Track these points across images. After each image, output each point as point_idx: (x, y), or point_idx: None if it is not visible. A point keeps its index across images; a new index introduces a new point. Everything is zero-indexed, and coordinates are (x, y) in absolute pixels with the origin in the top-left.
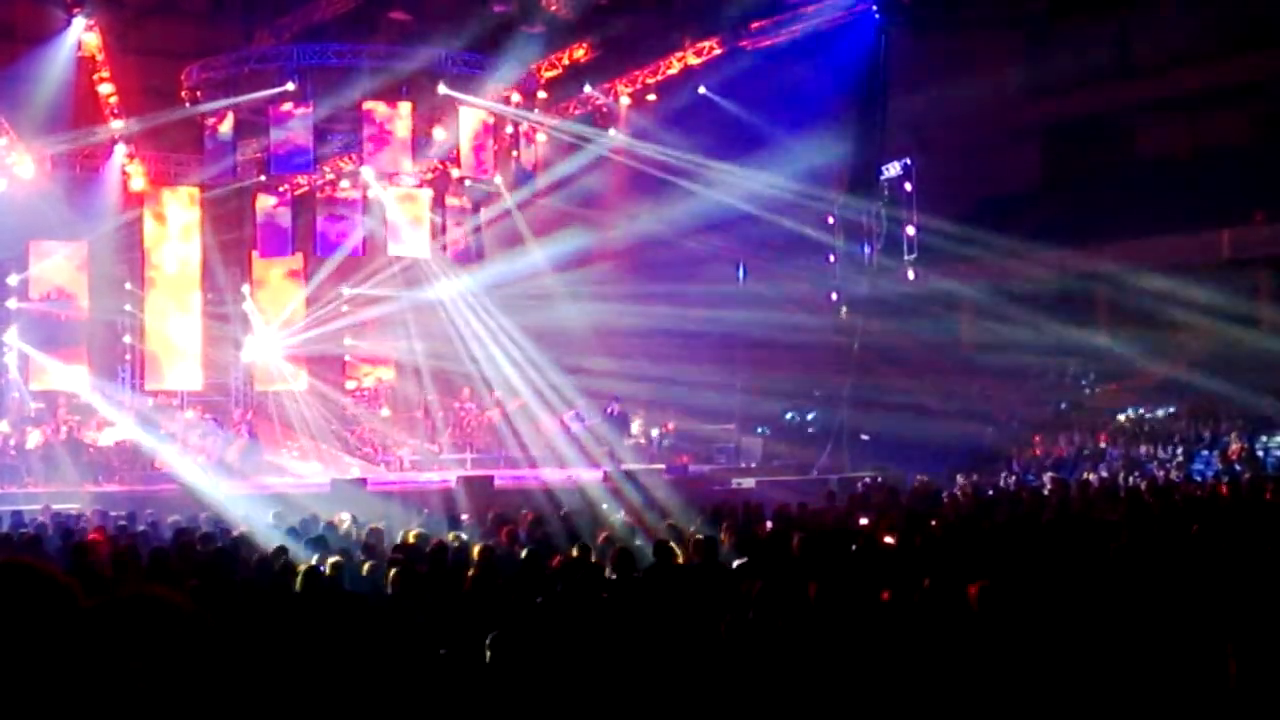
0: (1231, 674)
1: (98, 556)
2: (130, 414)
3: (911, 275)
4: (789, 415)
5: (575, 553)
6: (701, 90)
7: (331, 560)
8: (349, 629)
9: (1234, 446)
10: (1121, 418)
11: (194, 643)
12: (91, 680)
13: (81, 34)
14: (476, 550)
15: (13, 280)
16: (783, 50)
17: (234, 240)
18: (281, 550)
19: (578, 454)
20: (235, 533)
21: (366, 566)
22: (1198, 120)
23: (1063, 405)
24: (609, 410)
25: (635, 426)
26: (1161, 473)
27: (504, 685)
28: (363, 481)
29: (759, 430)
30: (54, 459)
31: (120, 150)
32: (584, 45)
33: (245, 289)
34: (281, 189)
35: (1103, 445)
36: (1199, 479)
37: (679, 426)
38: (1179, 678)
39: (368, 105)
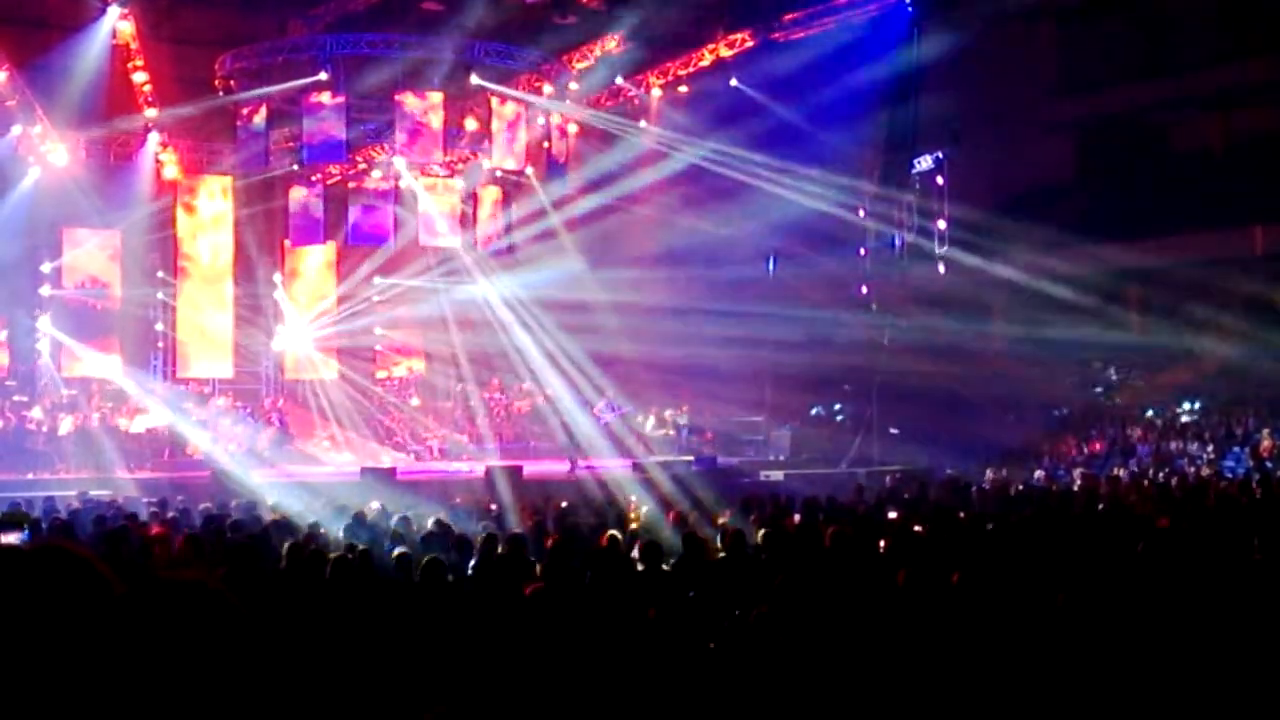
0: (1263, 668)
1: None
2: (163, 401)
3: (943, 269)
4: (814, 410)
5: (604, 543)
6: (734, 82)
7: (361, 548)
8: (377, 617)
9: (1265, 443)
10: (1152, 413)
11: (227, 629)
12: (126, 666)
13: (116, 22)
14: (504, 541)
15: (46, 268)
16: (816, 43)
17: (266, 229)
18: (311, 538)
19: (609, 444)
20: (267, 519)
21: (395, 555)
22: (1231, 116)
23: (1094, 400)
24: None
25: (650, 423)
26: (1192, 469)
27: (530, 675)
28: (392, 471)
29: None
30: (86, 445)
31: (153, 139)
32: (616, 37)
33: (277, 278)
34: (314, 179)
35: (1133, 441)
36: (1230, 475)
37: (707, 418)
38: (1207, 673)
39: (400, 96)
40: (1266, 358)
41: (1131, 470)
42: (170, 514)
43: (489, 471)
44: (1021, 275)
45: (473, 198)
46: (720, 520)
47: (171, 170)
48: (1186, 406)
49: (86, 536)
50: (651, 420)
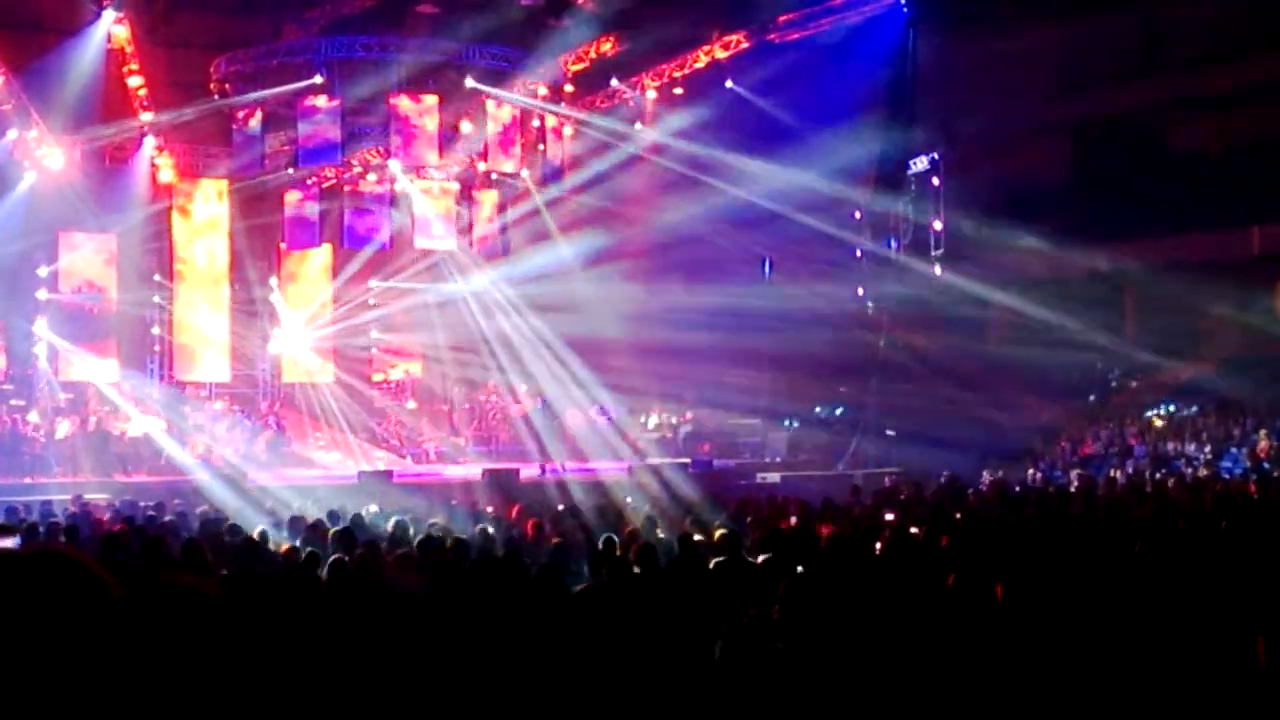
0: (1262, 669)
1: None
2: (154, 407)
3: (938, 271)
4: (792, 420)
5: (600, 546)
6: (729, 85)
7: (357, 552)
8: (373, 620)
9: (1263, 444)
10: (1149, 414)
11: (224, 633)
12: (125, 670)
13: (111, 26)
14: (501, 544)
15: (43, 272)
16: (811, 45)
17: (262, 233)
18: (309, 541)
19: (602, 449)
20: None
21: (392, 559)
22: (1228, 117)
23: (1090, 402)
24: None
25: (653, 421)
26: (1189, 470)
27: (526, 678)
28: (389, 474)
29: (787, 421)
30: (83, 449)
31: (149, 142)
32: (611, 39)
33: (273, 281)
34: (309, 182)
35: (1130, 442)
36: (1227, 476)
37: (704, 421)
38: (1206, 674)
39: (394, 99)
40: (1264, 358)
41: (1129, 471)
42: (167, 517)
43: (485, 475)
44: (1017, 276)
45: (470, 201)
46: (716, 522)
47: (167, 174)
48: (1188, 409)
49: (83, 540)
50: (654, 419)
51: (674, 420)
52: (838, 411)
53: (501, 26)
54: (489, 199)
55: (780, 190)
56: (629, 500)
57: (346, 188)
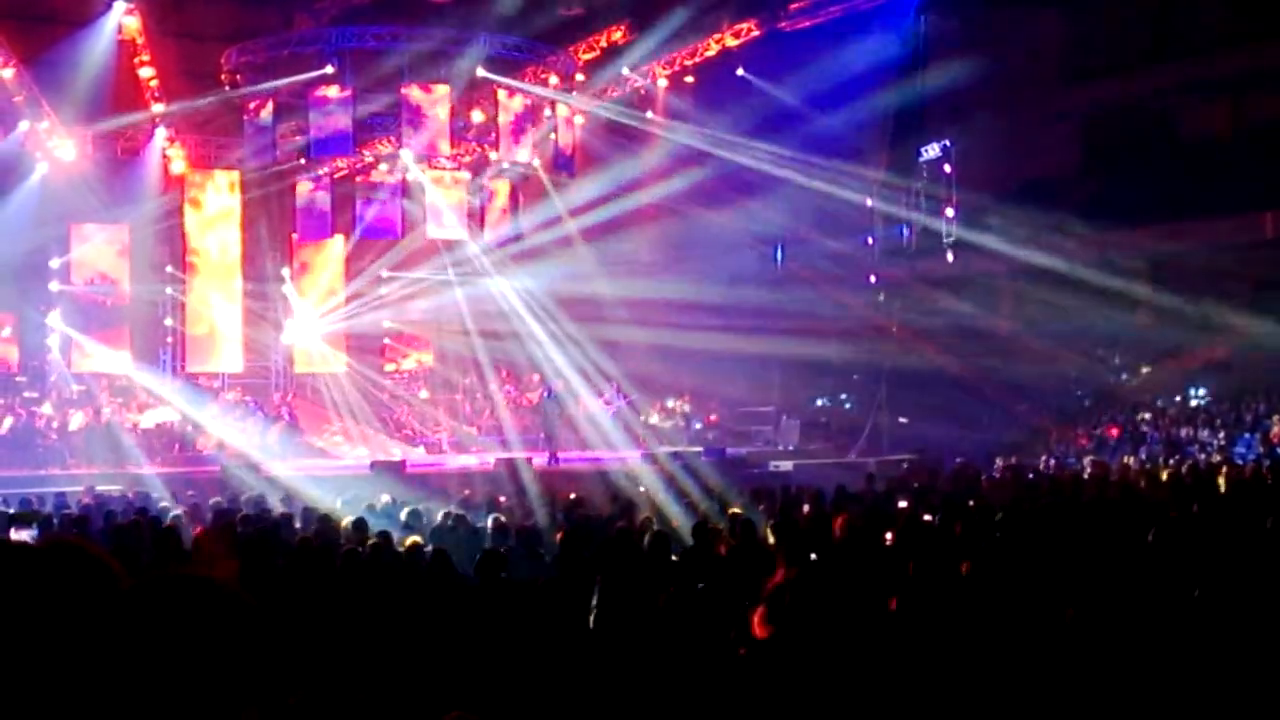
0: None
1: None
2: (174, 396)
3: (950, 257)
4: (820, 401)
5: (614, 534)
6: (740, 72)
7: (371, 541)
8: (388, 609)
9: (1276, 429)
10: (1162, 400)
11: (237, 624)
12: (134, 661)
13: (122, 17)
14: (514, 532)
15: (55, 264)
16: (822, 31)
17: (274, 223)
18: (321, 532)
19: (617, 436)
20: (276, 514)
21: (405, 547)
22: (1239, 102)
23: (1103, 387)
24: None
25: (654, 418)
26: (1203, 456)
27: (539, 665)
28: (402, 464)
29: (785, 415)
30: (96, 441)
31: (160, 134)
32: (622, 27)
33: (285, 272)
34: (321, 172)
35: (1143, 428)
36: (1240, 462)
37: (716, 408)
38: (1219, 661)
39: (406, 89)
40: (1277, 343)
41: (1141, 457)
42: (180, 509)
43: (498, 464)
44: (1029, 263)
45: (482, 190)
46: (730, 511)
47: (179, 165)
48: (1201, 395)
49: (96, 531)
50: (655, 416)
51: (672, 405)
52: (843, 396)
53: (512, 15)
54: (501, 188)
55: (791, 177)
56: (642, 488)
57: (358, 178)
